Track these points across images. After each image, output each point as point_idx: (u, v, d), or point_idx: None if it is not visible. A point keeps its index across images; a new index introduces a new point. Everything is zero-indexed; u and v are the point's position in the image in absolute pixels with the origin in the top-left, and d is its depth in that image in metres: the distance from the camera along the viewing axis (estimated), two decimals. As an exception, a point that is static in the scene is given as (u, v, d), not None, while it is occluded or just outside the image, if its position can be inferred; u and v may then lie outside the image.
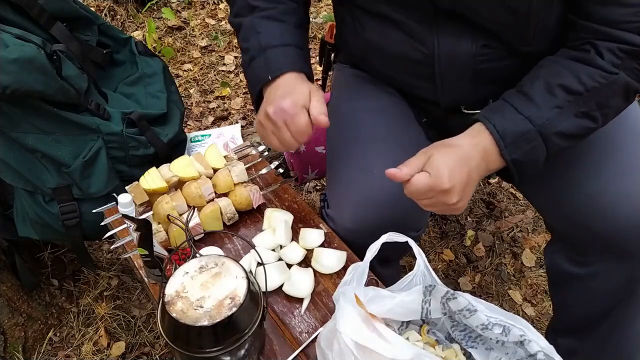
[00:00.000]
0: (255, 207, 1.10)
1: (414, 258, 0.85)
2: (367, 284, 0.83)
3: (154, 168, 1.09)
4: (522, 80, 0.86)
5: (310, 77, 0.95)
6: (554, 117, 0.80)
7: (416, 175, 0.78)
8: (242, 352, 0.78)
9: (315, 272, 0.99)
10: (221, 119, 2.18)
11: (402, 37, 0.92)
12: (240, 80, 2.39)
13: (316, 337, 0.87)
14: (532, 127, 0.80)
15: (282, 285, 0.97)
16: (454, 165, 0.78)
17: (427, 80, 0.96)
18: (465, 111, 1.00)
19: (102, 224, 1.08)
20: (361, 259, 0.88)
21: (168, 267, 0.92)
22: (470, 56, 0.89)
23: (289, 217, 1.07)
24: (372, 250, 0.83)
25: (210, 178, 1.10)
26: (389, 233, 0.84)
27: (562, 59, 0.83)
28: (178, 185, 1.09)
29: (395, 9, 0.90)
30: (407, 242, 0.84)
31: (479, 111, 0.94)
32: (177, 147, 1.37)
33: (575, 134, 0.83)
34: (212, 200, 1.08)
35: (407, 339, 0.84)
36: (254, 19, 0.96)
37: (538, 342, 0.74)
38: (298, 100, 0.86)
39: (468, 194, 0.82)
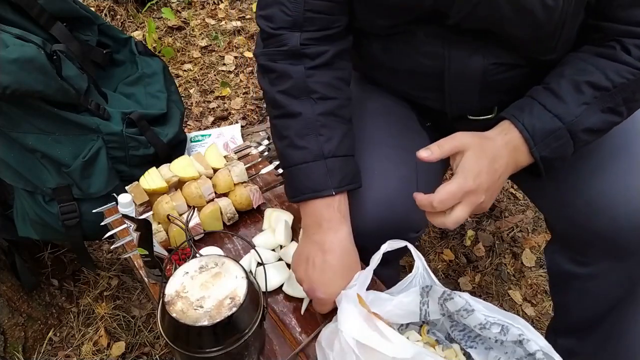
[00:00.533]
0: (255, 207, 1.10)
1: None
2: (368, 286, 0.83)
3: (154, 168, 1.09)
4: (547, 77, 0.86)
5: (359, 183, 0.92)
6: (582, 114, 0.81)
7: (442, 186, 0.76)
8: (242, 352, 0.78)
9: (315, 272, 0.99)
10: (221, 119, 2.18)
11: (410, 53, 0.91)
12: (240, 80, 2.39)
13: (316, 336, 0.87)
14: (561, 125, 0.81)
15: (282, 285, 0.97)
16: (483, 165, 0.78)
17: (435, 91, 0.95)
18: (471, 117, 1.00)
19: (102, 224, 1.08)
20: (364, 259, 0.88)
21: (168, 267, 0.92)
22: (481, 70, 0.88)
23: (289, 217, 1.07)
24: (375, 259, 0.83)
25: (210, 178, 1.10)
26: (388, 242, 0.84)
27: (588, 55, 0.84)
28: (178, 185, 1.09)
29: (406, 26, 0.89)
30: (404, 240, 0.84)
31: (483, 117, 0.94)
32: (177, 147, 1.37)
33: (601, 129, 0.84)
34: (212, 200, 1.08)
35: (407, 339, 0.84)
36: (317, 115, 0.88)
37: (537, 341, 0.74)
38: (330, 294, 0.85)
39: (495, 192, 0.82)
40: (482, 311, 0.77)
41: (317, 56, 0.89)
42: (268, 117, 1.63)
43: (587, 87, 0.81)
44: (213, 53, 2.55)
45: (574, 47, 0.87)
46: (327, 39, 0.90)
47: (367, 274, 0.84)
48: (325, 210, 0.87)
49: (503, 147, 0.81)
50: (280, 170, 1.21)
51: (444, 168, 1.13)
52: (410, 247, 0.85)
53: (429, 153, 0.78)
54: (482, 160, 0.78)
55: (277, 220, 1.06)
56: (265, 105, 2.23)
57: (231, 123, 2.15)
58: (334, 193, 0.86)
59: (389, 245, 0.84)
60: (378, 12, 0.89)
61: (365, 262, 0.87)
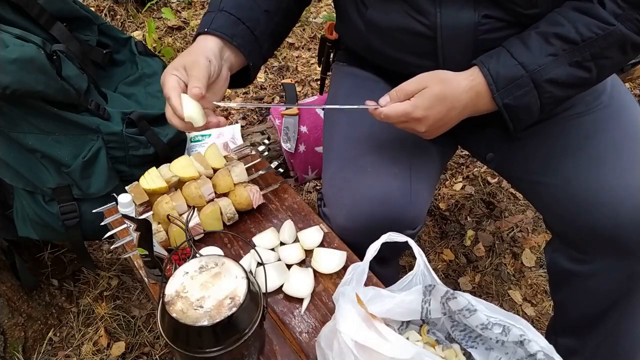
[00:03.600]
0: (255, 207, 1.10)
1: (414, 258, 0.85)
2: (367, 283, 0.83)
3: (154, 168, 1.09)
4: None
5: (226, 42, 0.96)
6: (547, 65, 0.83)
7: (393, 104, 0.85)
8: (242, 352, 0.78)
9: (315, 272, 0.99)
10: (221, 119, 2.17)
11: (404, 10, 0.92)
12: (240, 80, 2.39)
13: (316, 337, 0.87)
14: (524, 73, 0.83)
15: (282, 286, 0.97)
16: (437, 100, 0.83)
17: (429, 57, 0.95)
18: None
19: (102, 224, 1.08)
20: (360, 258, 0.88)
21: (168, 267, 0.92)
22: (472, 26, 0.89)
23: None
24: (372, 250, 0.83)
25: (210, 178, 1.10)
26: (388, 233, 0.84)
27: (565, 9, 0.85)
28: (178, 185, 1.09)
29: None
30: (405, 241, 0.84)
31: None
32: (177, 147, 1.37)
33: (568, 83, 0.84)
34: (212, 200, 1.08)
35: (407, 339, 0.84)
36: None
37: (538, 342, 0.74)
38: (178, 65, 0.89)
39: (439, 129, 0.87)
40: (484, 311, 0.77)
41: None
42: (268, 117, 1.63)
43: (555, 39, 0.83)
44: (213, 53, 2.55)
45: (557, 5, 0.88)
46: None
47: (364, 266, 0.84)
48: (196, 43, 0.94)
49: (465, 92, 0.85)
50: (281, 170, 1.21)
51: (440, 165, 1.13)
52: (412, 242, 0.85)
53: (387, 100, 0.85)
54: (438, 99, 0.83)
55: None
56: (266, 105, 2.23)
57: (231, 123, 2.15)
58: (205, 30, 0.94)
59: (389, 237, 0.84)
60: None
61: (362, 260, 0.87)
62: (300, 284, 0.96)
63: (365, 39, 1.05)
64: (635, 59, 1.88)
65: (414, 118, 0.84)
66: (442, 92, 0.83)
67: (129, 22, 2.67)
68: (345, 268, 0.99)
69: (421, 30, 0.92)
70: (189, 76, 0.88)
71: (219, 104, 0.96)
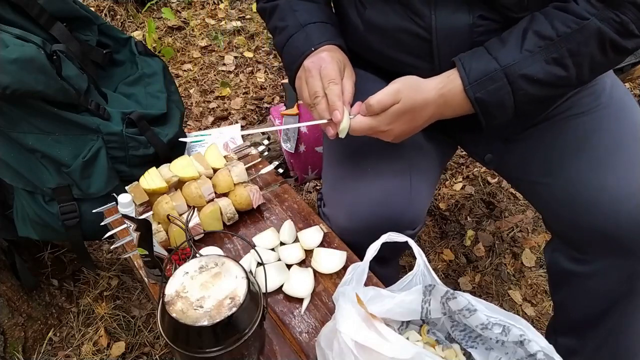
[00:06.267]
0: (255, 207, 1.10)
1: (414, 258, 0.85)
2: (367, 283, 0.83)
3: (154, 168, 1.09)
4: None
5: (345, 50, 0.98)
6: (522, 60, 0.82)
7: (358, 117, 0.87)
8: (242, 352, 0.78)
9: (315, 272, 0.99)
10: (221, 119, 2.18)
11: (401, 11, 0.92)
12: (240, 80, 2.39)
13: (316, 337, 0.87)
14: (497, 67, 0.83)
15: (282, 286, 0.97)
16: (402, 115, 0.86)
17: (425, 58, 0.95)
18: None
19: (102, 224, 1.08)
20: (360, 258, 0.88)
21: (168, 267, 0.92)
22: (467, 28, 0.89)
23: None
24: (372, 250, 0.83)
25: (210, 178, 1.10)
26: (388, 233, 0.84)
27: (546, 9, 0.85)
28: (178, 185, 1.09)
29: None
30: (404, 241, 0.84)
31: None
32: (177, 147, 1.37)
33: (544, 81, 0.83)
34: (212, 200, 1.08)
35: (407, 339, 0.84)
36: (289, 0, 1.00)
37: (538, 342, 0.74)
38: (334, 57, 0.90)
39: (406, 136, 0.90)
40: (484, 311, 0.77)
41: None
42: (268, 117, 1.63)
43: (532, 35, 0.82)
44: (213, 53, 2.56)
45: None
46: None
47: (364, 266, 0.84)
48: (312, 57, 0.93)
49: (433, 101, 0.86)
50: (281, 170, 1.21)
51: (440, 165, 1.13)
52: (411, 242, 0.85)
53: (363, 109, 0.87)
54: (404, 115, 0.86)
55: None
56: (266, 105, 2.23)
57: (231, 123, 2.15)
58: (313, 49, 0.93)
59: (388, 237, 0.84)
60: None
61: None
62: (300, 284, 0.96)
63: (363, 39, 1.05)
64: (635, 59, 1.88)
65: (380, 131, 0.87)
66: (411, 107, 0.85)
67: (129, 22, 2.67)
68: (345, 268, 0.99)
69: (417, 31, 0.92)
70: (344, 90, 0.89)
71: (244, 132, 1.01)
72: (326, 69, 0.88)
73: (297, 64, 0.94)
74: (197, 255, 0.82)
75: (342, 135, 0.89)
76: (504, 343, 0.78)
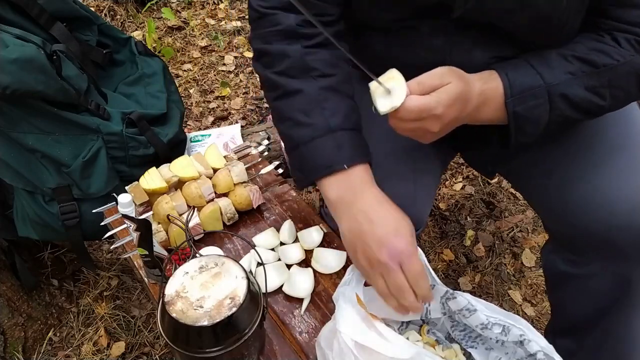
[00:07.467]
0: (255, 207, 1.10)
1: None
2: (367, 284, 0.83)
3: (154, 168, 1.09)
4: None
5: (372, 164, 0.87)
6: (565, 81, 0.80)
7: (413, 97, 0.75)
8: (242, 352, 0.78)
9: (315, 272, 0.99)
10: (221, 119, 2.18)
11: (412, 46, 0.90)
12: (240, 80, 2.39)
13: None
14: (542, 83, 0.80)
15: (282, 286, 0.97)
16: (458, 99, 0.76)
17: None
18: None
19: (102, 224, 1.08)
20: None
21: (168, 267, 0.92)
22: (482, 64, 0.87)
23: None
24: None
25: (210, 178, 1.10)
26: None
27: (579, 37, 0.84)
28: (178, 185, 1.09)
29: (408, 20, 0.87)
30: None
31: None
32: (177, 147, 1.37)
33: (580, 106, 0.82)
34: (212, 200, 1.08)
35: (407, 339, 0.84)
36: (319, 90, 0.85)
37: (538, 342, 0.74)
38: (410, 240, 0.77)
39: (446, 131, 0.81)
40: (484, 311, 0.77)
41: (314, 36, 0.86)
42: (268, 117, 1.63)
43: (575, 60, 0.81)
44: (213, 53, 2.56)
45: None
46: (321, 24, 0.89)
47: None
48: (344, 183, 0.82)
49: (476, 95, 0.80)
50: (281, 170, 1.21)
51: (441, 167, 1.13)
52: None
53: (407, 92, 0.75)
54: (459, 98, 0.77)
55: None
56: (266, 105, 2.23)
57: (231, 123, 2.15)
58: (346, 167, 0.81)
59: None
60: (380, 4, 0.87)
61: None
62: (300, 284, 0.96)
63: (368, 64, 1.05)
64: None
65: (434, 115, 0.75)
66: (463, 92, 0.78)
67: (128, 22, 2.67)
68: (345, 268, 0.99)
69: (430, 66, 0.87)
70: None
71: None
72: (411, 264, 0.76)
73: (321, 175, 0.83)
74: (197, 255, 0.82)
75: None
76: (503, 343, 0.78)
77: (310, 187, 1.92)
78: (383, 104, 0.75)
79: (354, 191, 0.81)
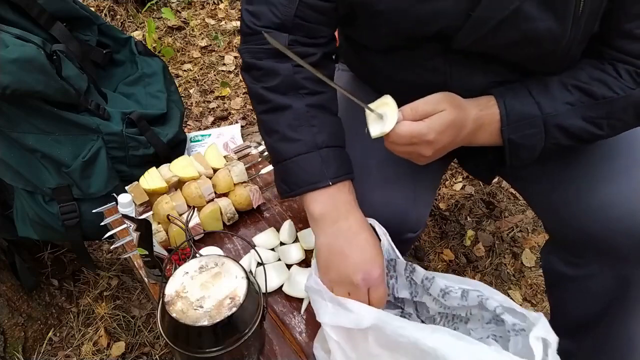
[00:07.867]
0: (255, 207, 1.10)
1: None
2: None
3: (154, 168, 1.09)
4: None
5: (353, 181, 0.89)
6: (563, 112, 0.81)
7: (405, 122, 0.77)
8: (242, 352, 0.78)
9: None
10: (221, 119, 2.18)
11: (412, 66, 0.91)
12: (240, 80, 2.39)
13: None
14: (539, 114, 0.81)
15: (282, 286, 0.97)
16: (451, 126, 0.78)
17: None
18: None
19: (102, 224, 1.08)
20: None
21: (168, 267, 0.92)
22: (481, 88, 0.88)
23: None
24: None
25: (210, 178, 1.10)
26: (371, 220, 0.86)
27: (583, 65, 0.84)
28: (178, 185, 1.09)
29: (408, 45, 0.88)
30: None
31: None
32: (177, 147, 1.38)
33: (577, 136, 0.83)
34: (212, 200, 1.08)
35: None
36: (307, 107, 0.87)
37: (495, 298, 0.76)
38: (382, 270, 0.81)
39: (439, 155, 0.82)
40: (441, 279, 0.80)
41: (305, 56, 0.87)
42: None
43: (575, 90, 0.81)
44: (213, 53, 2.56)
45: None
46: (313, 45, 0.89)
47: None
48: (329, 200, 0.84)
49: (472, 121, 0.82)
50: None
51: (441, 169, 1.13)
52: (373, 221, 0.86)
53: (400, 117, 0.77)
54: (452, 125, 0.78)
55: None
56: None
57: (231, 123, 2.15)
58: (330, 184, 0.84)
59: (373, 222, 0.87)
60: (379, 32, 0.88)
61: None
62: (300, 284, 0.96)
63: (369, 77, 1.05)
64: None
65: (426, 140, 0.77)
66: (457, 118, 0.79)
67: (128, 22, 2.67)
68: (345, 268, 0.99)
69: (429, 85, 0.88)
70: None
71: None
72: (379, 290, 0.80)
73: (307, 189, 0.85)
74: (197, 255, 0.82)
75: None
76: (471, 312, 0.81)
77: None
78: (375, 129, 0.78)
79: (338, 211, 0.83)
